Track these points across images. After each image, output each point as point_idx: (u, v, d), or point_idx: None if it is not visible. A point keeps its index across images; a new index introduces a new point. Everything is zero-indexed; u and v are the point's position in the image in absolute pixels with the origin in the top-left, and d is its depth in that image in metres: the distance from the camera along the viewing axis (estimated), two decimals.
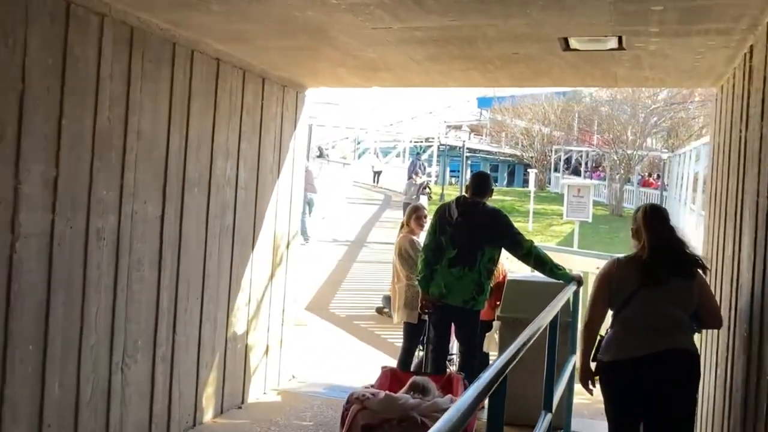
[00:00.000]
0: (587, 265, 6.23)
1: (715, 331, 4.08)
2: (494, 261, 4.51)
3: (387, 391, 3.26)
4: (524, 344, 2.30)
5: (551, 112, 36.81)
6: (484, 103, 51.68)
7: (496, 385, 1.86)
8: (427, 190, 14.14)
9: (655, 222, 3.21)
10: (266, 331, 5.23)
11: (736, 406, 3.36)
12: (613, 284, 3.18)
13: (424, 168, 21.73)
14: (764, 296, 2.83)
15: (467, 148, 47.04)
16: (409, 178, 14.82)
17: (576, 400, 4.94)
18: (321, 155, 30.02)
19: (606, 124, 27.14)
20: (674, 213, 19.75)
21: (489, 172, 48.51)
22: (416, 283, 4.66)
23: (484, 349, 4.93)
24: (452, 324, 4.64)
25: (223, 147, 4.53)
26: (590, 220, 9.89)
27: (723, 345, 3.76)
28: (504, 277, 5.04)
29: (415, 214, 5.15)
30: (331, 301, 9.04)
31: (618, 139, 25.33)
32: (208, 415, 4.54)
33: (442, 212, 4.62)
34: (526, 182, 43.21)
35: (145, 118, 3.78)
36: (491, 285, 4.78)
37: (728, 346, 3.59)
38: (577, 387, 4.98)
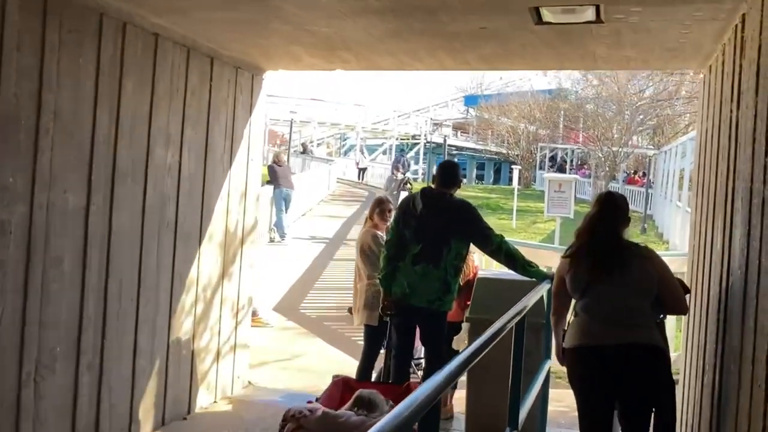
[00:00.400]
0: None
1: (701, 335, 3.78)
2: (462, 257, 4.11)
3: (324, 408, 2.85)
4: (472, 356, 1.91)
5: (537, 109, 36.54)
6: (471, 101, 51.48)
7: (426, 410, 1.46)
8: (408, 185, 13.73)
9: (594, 211, 3.19)
10: (217, 335, 4.80)
11: (726, 419, 2.98)
12: (568, 276, 3.19)
13: (409, 165, 21.31)
14: (759, 297, 2.45)
15: (454, 146, 46.90)
16: (391, 173, 14.38)
17: (551, 407, 4.56)
18: (305, 151, 29.66)
19: (591, 121, 26.86)
20: (660, 210, 19.47)
21: (475, 170, 48.01)
22: (378, 282, 4.24)
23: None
24: (417, 327, 4.23)
25: (162, 132, 4.09)
26: (572, 216, 9.47)
27: (711, 351, 3.39)
28: (475, 274, 4.64)
29: (379, 207, 4.71)
30: (302, 301, 8.60)
31: (603, 136, 25.07)
32: (146, 428, 4.11)
33: (406, 204, 4.21)
34: (512, 180, 42.89)
35: (63, 95, 3.34)
36: (460, 283, 4.39)
37: (716, 352, 3.21)
38: (553, 393, 4.65)
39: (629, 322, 3.00)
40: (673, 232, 14.52)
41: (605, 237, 3.10)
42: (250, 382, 5.28)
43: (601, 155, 24.95)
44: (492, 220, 21.14)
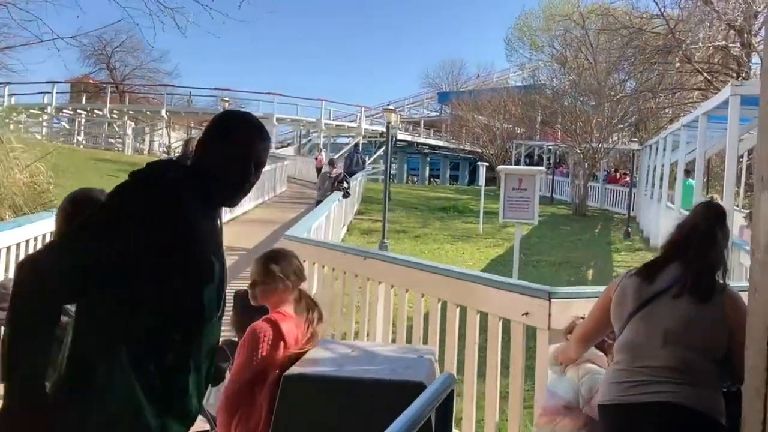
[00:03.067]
0: (512, 308, 3.38)
1: None
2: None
3: None
4: None
5: (512, 104, 34.43)
6: (445, 98, 49.39)
7: None
8: (345, 184, 11.33)
9: (693, 217, 2.50)
10: None
11: None
12: (618, 291, 2.43)
13: (364, 162, 18.95)
14: None
15: (426, 145, 44.76)
16: (325, 170, 11.94)
17: None
18: None
19: (569, 114, 24.69)
20: (645, 212, 17.29)
21: (449, 170, 46.52)
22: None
23: None
24: None
25: None
26: (536, 221, 6.95)
27: None
28: None
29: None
30: None
31: (582, 130, 22.87)
32: None
33: None
34: (489, 180, 40.68)
35: None
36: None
37: None
38: None
39: (681, 377, 2.19)
40: (663, 237, 12.28)
41: (703, 257, 2.34)
42: None
43: (579, 151, 22.74)
44: (458, 224, 18.91)
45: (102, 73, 52.02)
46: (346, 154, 22.16)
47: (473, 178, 47.97)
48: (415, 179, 47.19)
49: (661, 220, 12.69)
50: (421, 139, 42.97)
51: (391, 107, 10.92)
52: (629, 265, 12.35)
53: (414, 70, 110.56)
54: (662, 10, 21.13)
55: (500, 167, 7.21)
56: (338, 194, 10.84)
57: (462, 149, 41.82)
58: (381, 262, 4.39)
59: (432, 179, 47.50)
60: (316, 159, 26.41)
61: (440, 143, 43.69)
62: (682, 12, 22.42)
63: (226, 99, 22.81)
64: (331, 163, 12.02)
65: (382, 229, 11.25)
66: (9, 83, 28.13)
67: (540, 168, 7.30)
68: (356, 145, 20.09)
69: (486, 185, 37.94)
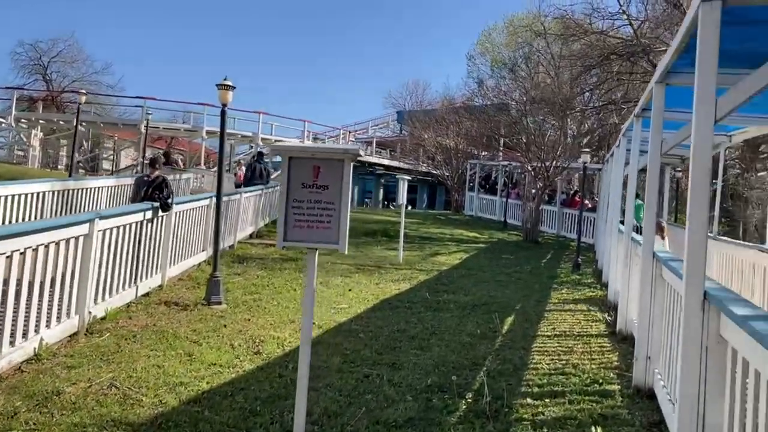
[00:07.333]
0: None
1: None
2: None
3: None
4: None
5: (466, 120, 31.57)
6: (402, 117, 46.63)
7: None
8: (163, 193, 7.93)
9: None
10: None
11: None
12: None
13: (268, 173, 15.63)
14: None
15: (382, 166, 41.60)
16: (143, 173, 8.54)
17: None
18: (168, 162, 23.85)
19: (517, 127, 21.75)
20: (601, 239, 14.17)
21: (393, 191, 42.92)
22: None
23: None
24: None
25: None
26: (344, 248, 3.34)
27: None
28: None
29: None
30: None
31: (534, 145, 19.90)
32: None
33: None
34: (449, 204, 37.68)
35: None
36: None
37: None
38: None
39: None
40: (621, 274, 9.16)
41: None
42: None
43: (530, 168, 19.75)
44: (375, 252, 15.59)
45: (38, 85, 48.27)
46: (246, 164, 18.93)
47: (433, 202, 44.97)
48: (368, 201, 44.14)
49: (622, 251, 9.59)
50: (373, 159, 39.87)
51: (228, 83, 7.61)
52: (568, 308, 9.06)
53: (382, 92, 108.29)
54: (623, 7, 18.43)
55: (274, 145, 3.96)
56: (146, 206, 7.49)
57: (418, 171, 38.84)
58: None
59: (389, 202, 44.44)
60: (236, 175, 23.16)
61: (394, 164, 40.62)
62: (647, 13, 19.92)
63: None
64: (153, 163, 8.68)
65: (213, 258, 7.93)
66: None
67: (354, 147, 4.02)
68: (259, 153, 16.74)
69: (445, 209, 34.51)
